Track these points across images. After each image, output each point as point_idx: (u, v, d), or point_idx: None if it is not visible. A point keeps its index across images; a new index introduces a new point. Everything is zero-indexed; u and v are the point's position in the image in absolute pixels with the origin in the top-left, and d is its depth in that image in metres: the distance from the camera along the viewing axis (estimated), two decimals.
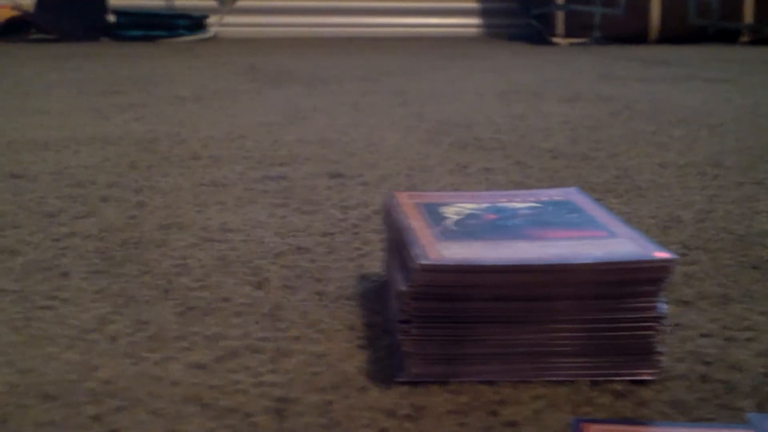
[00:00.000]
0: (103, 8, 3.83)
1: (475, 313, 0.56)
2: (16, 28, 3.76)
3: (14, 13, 3.71)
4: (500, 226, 0.63)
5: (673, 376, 0.57)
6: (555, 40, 3.56)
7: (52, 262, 0.81)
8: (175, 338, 0.63)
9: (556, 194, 0.72)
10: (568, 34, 3.56)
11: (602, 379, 0.56)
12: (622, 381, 0.56)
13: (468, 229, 0.62)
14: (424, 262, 0.55)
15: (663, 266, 0.55)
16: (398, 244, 0.63)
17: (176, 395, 0.55)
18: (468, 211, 0.67)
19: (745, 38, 3.57)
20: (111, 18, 3.80)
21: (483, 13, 4.21)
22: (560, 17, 3.54)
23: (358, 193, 1.06)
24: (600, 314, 0.56)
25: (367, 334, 0.64)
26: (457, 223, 0.64)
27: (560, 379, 0.56)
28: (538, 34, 3.68)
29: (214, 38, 3.91)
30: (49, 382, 0.57)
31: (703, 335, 0.64)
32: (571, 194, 0.72)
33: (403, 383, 0.56)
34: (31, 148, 1.35)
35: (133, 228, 0.91)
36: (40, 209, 0.99)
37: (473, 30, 4.23)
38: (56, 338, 0.63)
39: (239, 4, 3.97)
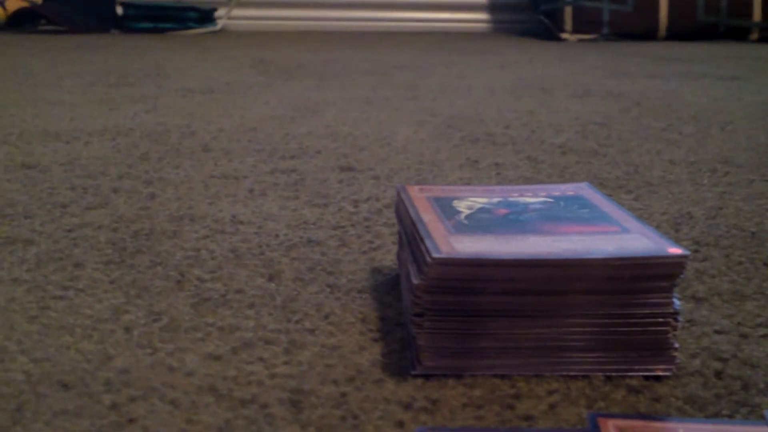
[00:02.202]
0: (113, 0, 3.83)
1: (488, 307, 0.56)
2: (26, 20, 3.77)
3: (23, 4, 3.72)
4: (512, 221, 0.63)
5: (688, 372, 0.57)
6: (563, 36, 3.56)
7: (65, 252, 0.81)
8: (189, 329, 0.64)
9: (567, 189, 0.72)
10: (576, 31, 3.55)
11: (617, 374, 0.56)
12: (637, 377, 0.56)
13: (480, 223, 0.63)
14: (436, 255, 0.55)
15: (677, 262, 0.55)
16: (410, 237, 0.63)
17: (191, 386, 0.55)
18: (479, 206, 0.67)
19: (754, 36, 3.57)
20: (119, 10, 3.80)
21: (492, 8, 4.21)
22: (569, 13, 3.54)
23: (369, 186, 1.06)
24: (614, 309, 0.56)
25: (380, 327, 0.64)
26: (469, 217, 0.64)
27: (574, 373, 0.56)
28: (547, 30, 3.67)
29: (223, 31, 3.91)
30: (65, 371, 0.57)
31: (717, 332, 0.64)
32: (582, 189, 0.72)
33: (417, 376, 0.56)
34: (42, 139, 1.35)
35: (145, 219, 0.92)
36: (51, 200, 0.99)
37: (482, 25, 4.23)
38: (71, 328, 0.64)
39: None
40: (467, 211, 0.65)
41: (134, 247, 0.83)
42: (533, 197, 0.70)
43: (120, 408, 0.52)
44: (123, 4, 3.79)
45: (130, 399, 0.53)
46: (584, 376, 0.56)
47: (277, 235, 0.86)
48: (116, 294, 0.70)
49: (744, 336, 0.63)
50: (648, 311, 0.56)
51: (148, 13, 3.75)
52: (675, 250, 0.56)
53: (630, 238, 0.58)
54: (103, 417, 0.51)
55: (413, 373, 0.56)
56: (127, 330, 0.63)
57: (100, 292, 0.71)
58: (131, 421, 0.51)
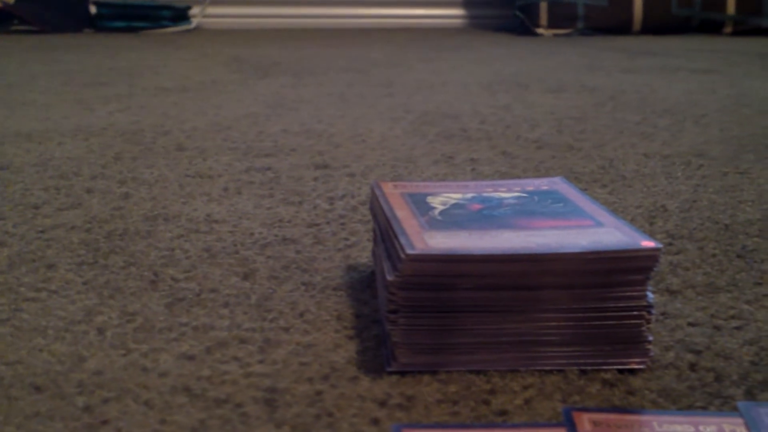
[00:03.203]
0: None
1: (463, 303, 0.56)
2: None
3: None
4: (486, 216, 0.63)
5: (662, 365, 0.57)
6: (539, 31, 3.57)
7: (38, 253, 0.80)
8: (162, 329, 0.63)
9: (541, 184, 0.72)
10: (552, 25, 3.56)
11: (591, 368, 0.56)
12: (612, 370, 0.56)
13: (454, 218, 0.62)
14: (410, 251, 0.55)
15: (650, 255, 0.55)
16: (384, 234, 0.63)
17: (165, 386, 0.55)
18: (454, 201, 0.67)
19: (728, 29, 3.58)
20: (93, 9, 3.77)
21: (468, 4, 4.21)
22: (544, 8, 3.55)
23: (344, 183, 1.06)
24: (588, 303, 0.56)
25: (356, 324, 0.64)
26: (443, 212, 0.64)
27: (549, 368, 0.56)
28: (523, 26, 3.68)
29: (197, 29, 3.89)
30: (37, 373, 0.56)
31: (690, 324, 0.64)
32: (557, 184, 0.72)
33: (392, 373, 0.56)
34: (14, 139, 1.34)
35: (119, 219, 0.91)
36: (24, 201, 0.98)
37: (458, 21, 4.23)
38: (44, 330, 0.63)
39: None
40: (441, 207, 0.65)
41: (108, 247, 0.82)
42: (507, 192, 0.70)
43: (93, 410, 0.52)
44: (96, 4, 3.76)
45: (103, 400, 0.53)
46: (559, 371, 0.56)
47: (251, 234, 0.86)
48: (89, 295, 0.70)
49: (717, 328, 0.63)
50: (622, 305, 0.56)
51: (122, 12, 3.73)
52: (648, 244, 0.56)
53: (603, 232, 0.59)
54: (76, 419, 0.51)
55: (388, 370, 0.56)
56: (101, 331, 0.63)
57: (74, 294, 0.70)
58: (104, 422, 0.50)
